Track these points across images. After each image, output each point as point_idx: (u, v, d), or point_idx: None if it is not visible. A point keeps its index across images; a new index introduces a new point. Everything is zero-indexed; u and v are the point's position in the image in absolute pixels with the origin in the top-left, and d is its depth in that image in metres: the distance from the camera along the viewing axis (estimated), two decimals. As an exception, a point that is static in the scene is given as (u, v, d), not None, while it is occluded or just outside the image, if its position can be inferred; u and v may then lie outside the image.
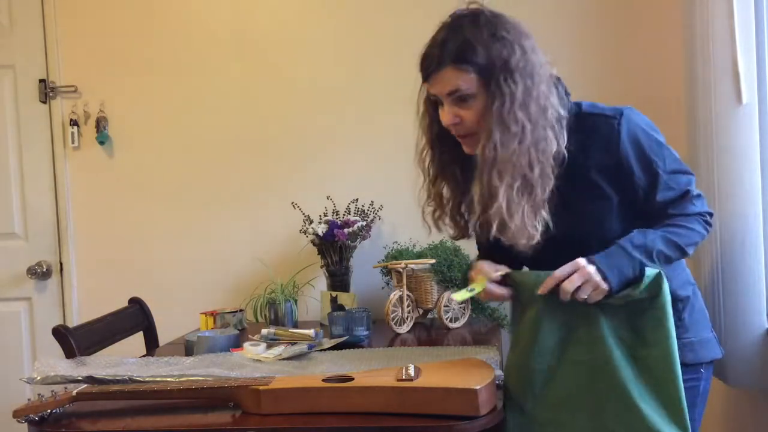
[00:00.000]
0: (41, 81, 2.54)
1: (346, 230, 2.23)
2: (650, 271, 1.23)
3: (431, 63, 1.28)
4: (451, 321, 2.09)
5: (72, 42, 2.55)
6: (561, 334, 1.28)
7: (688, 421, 1.21)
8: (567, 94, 1.36)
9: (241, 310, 2.21)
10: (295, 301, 2.24)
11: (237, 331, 1.88)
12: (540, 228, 1.28)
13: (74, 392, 1.34)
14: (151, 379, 1.43)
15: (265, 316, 2.22)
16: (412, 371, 1.27)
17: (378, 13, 2.42)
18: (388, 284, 2.28)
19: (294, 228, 2.39)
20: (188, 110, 2.51)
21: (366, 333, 1.86)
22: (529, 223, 1.27)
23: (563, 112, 1.29)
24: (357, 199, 2.38)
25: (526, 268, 1.41)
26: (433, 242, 2.22)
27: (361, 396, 1.23)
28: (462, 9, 1.31)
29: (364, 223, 2.29)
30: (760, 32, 1.66)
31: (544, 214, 1.28)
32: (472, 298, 2.14)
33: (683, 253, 1.33)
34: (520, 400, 1.32)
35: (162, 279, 2.51)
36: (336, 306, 2.14)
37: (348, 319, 1.84)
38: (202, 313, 2.15)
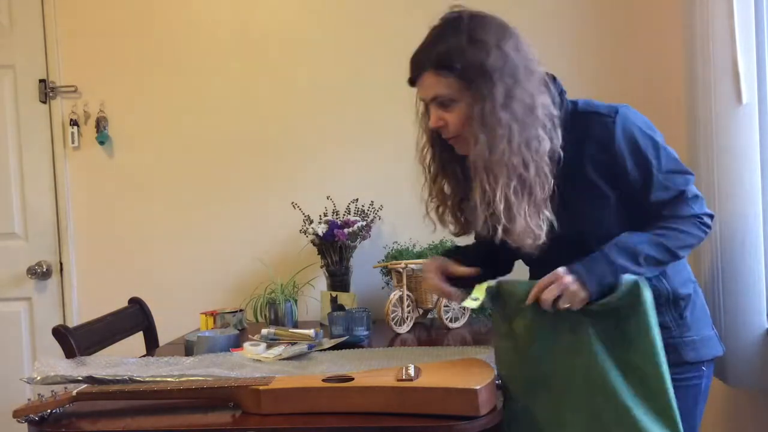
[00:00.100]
0: (41, 81, 2.54)
1: (346, 230, 2.23)
2: (627, 279, 1.23)
3: (414, 69, 1.32)
4: (451, 321, 2.09)
5: (72, 42, 2.55)
6: (552, 341, 1.29)
7: (680, 426, 1.21)
8: (562, 92, 1.35)
9: (241, 310, 2.21)
10: (295, 301, 2.24)
11: (237, 331, 1.88)
12: (545, 228, 1.28)
13: (74, 392, 1.34)
14: (151, 379, 1.43)
15: (265, 316, 2.22)
16: (412, 371, 1.27)
17: (378, 13, 2.42)
18: (388, 284, 2.28)
19: (294, 228, 2.39)
20: (188, 110, 2.51)
21: (366, 333, 1.86)
22: (532, 224, 1.27)
23: (555, 111, 1.29)
24: (357, 199, 2.38)
25: (514, 278, 1.41)
26: (433, 242, 2.22)
27: (361, 396, 1.23)
28: (448, 13, 1.32)
29: (364, 223, 2.29)
30: (760, 32, 1.66)
31: (548, 213, 1.28)
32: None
33: (674, 256, 1.31)
34: (520, 401, 1.32)
35: (162, 279, 2.51)
36: (336, 306, 2.14)
37: (348, 319, 1.84)
38: (202, 313, 2.15)
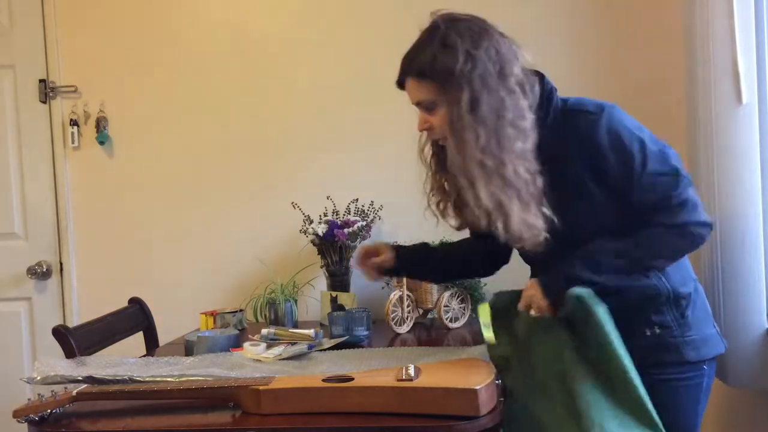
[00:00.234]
0: (41, 81, 2.54)
1: (346, 230, 2.23)
2: (572, 292, 1.25)
3: (400, 75, 1.36)
4: (451, 321, 2.09)
5: (72, 42, 2.55)
6: (541, 348, 1.31)
7: (657, 417, 1.22)
8: (552, 90, 1.35)
9: (241, 310, 2.21)
10: (295, 301, 2.24)
11: (237, 331, 1.88)
12: (541, 224, 1.28)
13: (74, 392, 1.34)
14: (151, 379, 1.43)
15: (265, 316, 2.22)
16: (412, 371, 1.27)
17: (378, 13, 2.42)
18: (388, 284, 2.28)
19: (294, 228, 2.39)
20: (188, 110, 2.51)
21: (366, 333, 1.86)
22: (529, 220, 1.27)
23: (528, 113, 1.28)
24: (357, 199, 2.38)
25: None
26: (432, 242, 2.21)
27: (361, 396, 1.24)
28: (432, 18, 1.33)
29: (364, 223, 2.29)
30: (760, 32, 1.67)
31: (545, 210, 1.29)
32: (472, 297, 2.15)
33: (645, 267, 1.31)
34: (519, 401, 1.33)
35: (162, 279, 2.51)
36: (336, 306, 2.14)
37: (348, 319, 1.84)
38: (202, 313, 2.15)
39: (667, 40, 2.21)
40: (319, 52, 2.45)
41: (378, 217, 2.38)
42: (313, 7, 2.46)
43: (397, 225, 2.40)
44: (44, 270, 2.54)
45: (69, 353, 1.69)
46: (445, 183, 1.44)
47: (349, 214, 2.36)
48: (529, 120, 1.28)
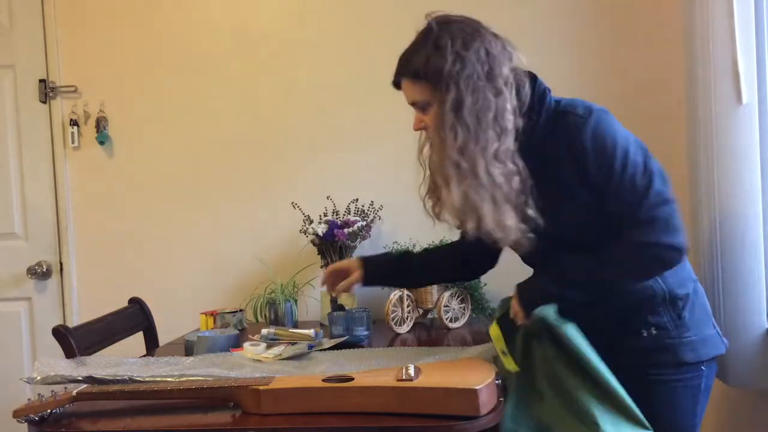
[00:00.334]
0: (41, 81, 2.54)
1: (346, 230, 2.23)
2: (539, 314, 1.28)
3: (395, 76, 1.38)
4: (451, 321, 2.09)
5: (72, 42, 2.55)
6: (536, 355, 1.33)
7: (642, 417, 1.23)
8: (545, 90, 1.35)
9: (241, 310, 2.21)
10: (295, 301, 2.24)
11: (237, 331, 1.88)
12: (516, 225, 1.29)
13: (74, 392, 1.34)
14: (151, 379, 1.43)
15: (265, 316, 2.22)
16: (412, 371, 1.27)
17: (378, 13, 2.42)
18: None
19: (294, 228, 2.39)
20: (188, 110, 2.51)
21: (366, 333, 1.86)
22: (503, 222, 1.28)
23: (513, 115, 1.29)
24: (357, 199, 2.38)
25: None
26: (432, 242, 2.21)
27: (361, 396, 1.23)
28: (427, 20, 1.35)
29: (364, 223, 2.29)
30: (760, 32, 1.66)
31: (529, 211, 1.30)
32: (472, 297, 2.15)
33: (612, 286, 1.32)
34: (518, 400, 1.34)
35: (162, 279, 2.51)
36: (336, 306, 2.13)
37: (348, 319, 1.84)
38: (202, 313, 2.15)
39: (667, 40, 2.21)
40: (319, 52, 2.46)
41: (378, 217, 2.38)
42: (313, 7, 2.46)
43: (397, 225, 2.40)
44: (44, 270, 2.54)
45: (69, 353, 1.69)
46: None
47: (349, 214, 2.36)
48: (513, 121, 1.29)
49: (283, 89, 2.47)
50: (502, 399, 1.30)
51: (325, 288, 1.73)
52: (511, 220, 1.28)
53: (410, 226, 2.33)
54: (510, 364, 1.31)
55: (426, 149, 1.43)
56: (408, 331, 2.05)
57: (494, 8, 2.35)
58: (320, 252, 2.30)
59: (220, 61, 2.49)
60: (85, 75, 2.55)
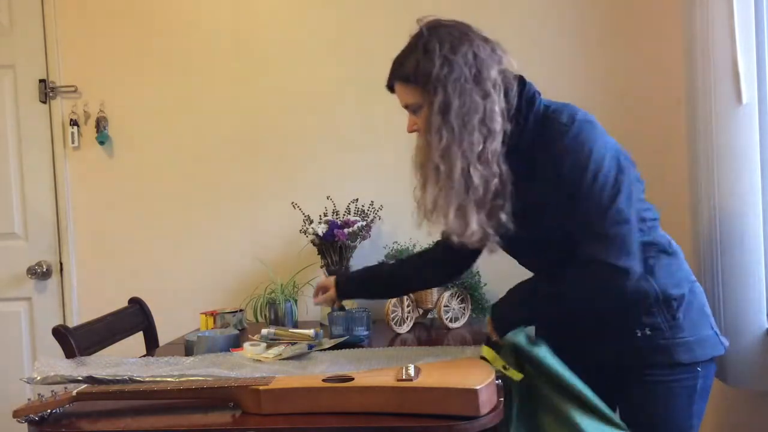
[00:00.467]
0: (41, 81, 2.54)
1: (346, 230, 2.23)
2: (509, 340, 1.33)
3: (389, 79, 1.41)
4: (451, 321, 2.09)
5: (72, 42, 2.55)
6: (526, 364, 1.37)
7: (617, 418, 1.28)
8: (535, 94, 1.36)
9: (241, 310, 2.20)
10: (295, 301, 2.24)
11: (237, 331, 1.88)
12: (488, 231, 1.31)
13: (74, 392, 1.33)
14: (151, 379, 1.43)
15: (265, 316, 2.22)
16: (412, 371, 1.27)
17: (377, 13, 2.42)
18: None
19: (294, 228, 2.39)
20: (188, 110, 2.51)
21: (366, 333, 1.86)
22: (470, 225, 1.30)
23: (499, 117, 1.29)
24: (357, 199, 2.38)
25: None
26: (432, 242, 2.21)
27: (361, 396, 1.23)
28: (419, 24, 1.38)
29: (364, 223, 2.29)
30: (760, 32, 1.67)
31: (502, 215, 1.31)
32: (472, 297, 2.15)
33: (569, 311, 1.36)
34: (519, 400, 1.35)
35: (162, 279, 2.51)
36: (336, 306, 2.13)
37: (348, 319, 1.84)
38: (202, 313, 2.15)
39: (667, 40, 2.21)
40: (319, 52, 2.46)
41: (378, 217, 2.38)
42: (313, 7, 2.46)
43: (397, 225, 2.40)
44: (44, 270, 2.54)
45: (69, 353, 1.69)
46: None
47: (349, 214, 2.36)
48: (501, 123, 1.30)
49: (284, 89, 2.47)
50: (502, 399, 1.30)
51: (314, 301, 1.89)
52: (475, 224, 1.30)
53: (410, 226, 2.28)
54: (515, 375, 1.33)
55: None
56: (408, 331, 2.05)
57: (496, 8, 2.35)
58: (320, 252, 2.30)
59: (220, 61, 2.49)
60: (85, 75, 2.55)
